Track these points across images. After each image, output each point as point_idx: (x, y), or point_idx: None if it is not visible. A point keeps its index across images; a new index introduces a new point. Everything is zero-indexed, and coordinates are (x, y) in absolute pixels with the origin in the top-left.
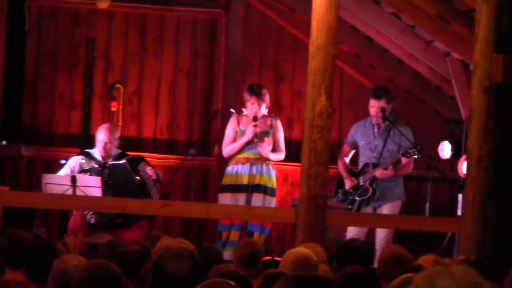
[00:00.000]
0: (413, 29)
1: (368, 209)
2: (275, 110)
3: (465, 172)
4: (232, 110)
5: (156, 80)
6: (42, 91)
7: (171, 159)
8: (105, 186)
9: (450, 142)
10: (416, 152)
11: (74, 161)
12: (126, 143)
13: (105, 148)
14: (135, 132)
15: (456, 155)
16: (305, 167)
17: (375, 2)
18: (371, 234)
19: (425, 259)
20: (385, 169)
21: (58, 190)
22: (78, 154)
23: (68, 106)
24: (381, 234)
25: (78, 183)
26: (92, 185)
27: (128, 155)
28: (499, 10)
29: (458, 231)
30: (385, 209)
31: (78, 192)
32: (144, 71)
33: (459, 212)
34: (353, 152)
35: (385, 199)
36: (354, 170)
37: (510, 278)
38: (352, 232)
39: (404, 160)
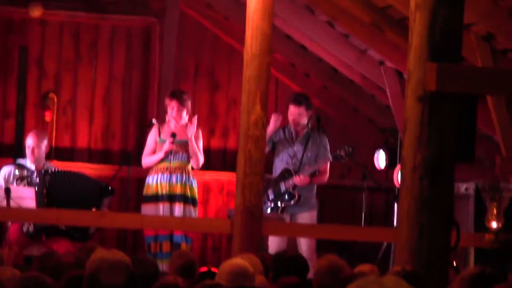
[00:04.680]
0: (347, 38)
1: (287, 217)
2: (211, 118)
3: (400, 181)
4: (153, 120)
5: (90, 88)
6: None
7: (105, 169)
8: (45, 193)
9: (385, 151)
10: (347, 153)
11: (5, 171)
12: (60, 153)
13: (33, 153)
14: (69, 142)
15: (391, 164)
16: (240, 177)
17: (310, 10)
18: (293, 244)
19: (362, 269)
20: (304, 176)
21: None
22: (10, 165)
23: (1, 115)
24: (304, 245)
25: (12, 194)
26: (26, 196)
27: (61, 170)
28: (433, 19)
29: (394, 241)
30: (304, 218)
31: (12, 203)
32: (78, 79)
33: (395, 222)
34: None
35: (301, 207)
36: (270, 178)
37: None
38: (273, 242)
39: (321, 168)
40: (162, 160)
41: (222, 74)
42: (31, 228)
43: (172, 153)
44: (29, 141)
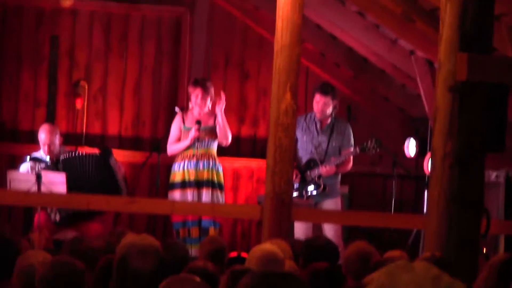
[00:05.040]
0: (377, 28)
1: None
2: (241, 108)
3: (430, 170)
4: (176, 108)
5: (121, 78)
6: (7, 89)
7: (136, 156)
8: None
9: (415, 140)
10: (374, 146)
11: (25, 169)
12: (91, 140)
13: (49, 150)
14: (100, 129)
15: (421, 153)
16: (270, 165)
17: (340, 1)
18: (318, 231)
19: (391, 255)
20: (330, 166)
21: (23, 186)
22: (27, 162)
23: (32, 104)
24: (330, 232)
25: (43, 180)
26: (57, 181)
27: (68, 156)
28: (463, 9)
29: (423, 228)
30: (328, 205)
31: (43, 189)
32: (109, 68)
33: (425, 210)
34: None
35: (326, 195)
36: (296, 166)
37: (483, 276)
38: (299, 229)
39: (345, 157)
40: (188, 147)
41: (252, 64)
42: (57, 218)
43: (199, 139)
44: (43, 137)
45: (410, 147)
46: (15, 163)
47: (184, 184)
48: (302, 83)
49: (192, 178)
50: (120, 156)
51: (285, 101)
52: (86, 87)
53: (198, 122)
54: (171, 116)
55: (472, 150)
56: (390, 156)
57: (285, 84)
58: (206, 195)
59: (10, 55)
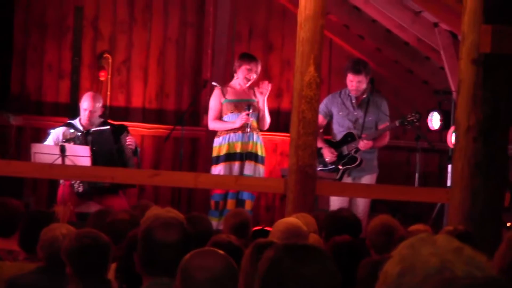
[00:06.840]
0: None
1: (349, 179)
2: (265, 80)
3: (454, 143)
4: (214, 83)
5: (144, 49)
6: (31, 60)
7: (160, 129)
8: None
9: (439, 113)
10: (415, 120)
11: (57, 132)
12: (114, 113)
13: (89, 116)
14: (124, 101)
15: (445, 126)
16: (294, 138)
17: None
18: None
19: (415, 229)
20: (368, 140)
21: (47, 159)
22: (62, 126)
23: (56, 75)
24: (361, 205)
25: (67, 153)
26: (81, 155)
27: (110, 123)
28: None
29: (447, 202)
30: (365, 180)
31: (67, 161)
32: (133, 40)
33: (448, 183)
34: (325, 122)
35: (364, 171)
36: (332, 141)
37: (501, 251)
38: (335, 202)
39: (383, 131)
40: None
41: (276, 36)
42: (80, 189)
43: (248, 126)
44: (86, 104)
45: (434, 120)
46: (39, 136)
47: (229, 157)
48: (326, 55)
49: (238, 150)
50: (144, 129)
51: (308, 73)
52: (110, 59)
53: (249, 108)
54: (195, 88)
55: (496, 122)
56: (414, 129)
57: (308, 56)
58: (248, 168)
59: (34, 26)
